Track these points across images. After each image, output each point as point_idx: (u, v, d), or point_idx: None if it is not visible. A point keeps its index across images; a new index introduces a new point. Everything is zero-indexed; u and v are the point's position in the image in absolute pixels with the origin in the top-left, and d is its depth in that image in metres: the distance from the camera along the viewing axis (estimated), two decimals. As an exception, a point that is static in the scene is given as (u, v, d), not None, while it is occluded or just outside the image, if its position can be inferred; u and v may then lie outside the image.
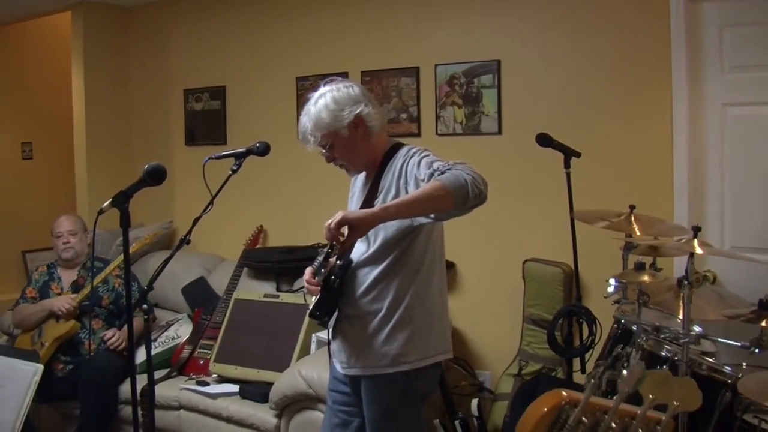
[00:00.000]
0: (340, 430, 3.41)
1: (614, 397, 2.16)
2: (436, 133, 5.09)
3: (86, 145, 6.61)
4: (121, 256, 5.02)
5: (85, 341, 5.16)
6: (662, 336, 3.32)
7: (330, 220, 2.84)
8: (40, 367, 2.38)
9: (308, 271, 3.24)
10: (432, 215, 2.98)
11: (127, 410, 5.01)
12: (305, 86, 5.46)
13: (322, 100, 3.17)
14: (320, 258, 3.14)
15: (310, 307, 3.18)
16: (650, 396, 2.10)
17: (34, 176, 7.74)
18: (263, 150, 3.53)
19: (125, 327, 5.13)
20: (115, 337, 5.05)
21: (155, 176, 3.13)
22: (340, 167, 3.30)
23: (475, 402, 4.57)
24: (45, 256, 7.08)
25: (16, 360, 2.43)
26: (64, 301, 5.12)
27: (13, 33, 7.53)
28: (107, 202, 2.97)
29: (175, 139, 6.52)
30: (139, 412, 3.55)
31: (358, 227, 2.88)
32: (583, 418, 2.17)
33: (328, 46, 5.58)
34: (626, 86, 4.50)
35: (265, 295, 5.14)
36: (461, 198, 2.81)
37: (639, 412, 2.13)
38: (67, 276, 5.40)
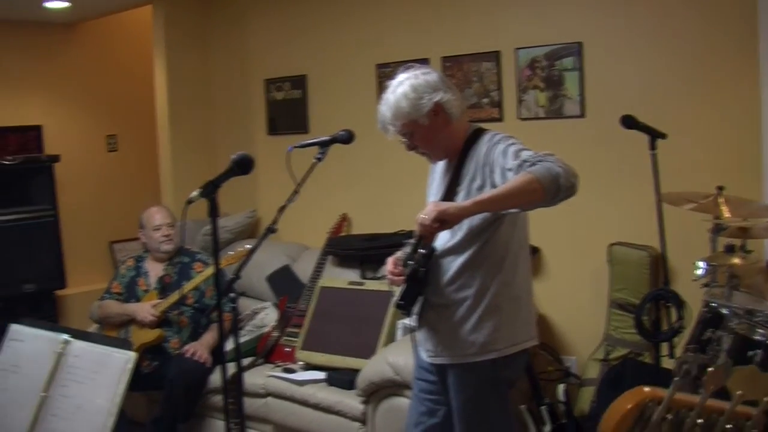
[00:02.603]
0: (427, 418, 3.41)
1: (700, 394, 2.11)
2: (518, 118, 5.05)
3: (170, 137, 6.70)
4: (209, 270, 5.10)
5: (170, 339, 5.24)
6: (755, 319, 3.25)
7: (424, 215, 2.84)
8: (133, 354, 2.41)
9: (390, 261, 3.24)
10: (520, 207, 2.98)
11: (214, 398, 5.10)
12: (385, 73, 5.46)
13: (401, 88, 3.15)
14: (407, 249, 3.14)
15: (396, 298, 3.17)
16: (738, 392, 2.05)
17: (119, 168, 7.87)
18: (347, 138, 3.53)
19: (205, 338, 5.22)
20: (197, 355, 5.11)
21: (243, 165, 3.16)
22: (422, 155, 3.29)
23: (561, 388, 4.54)
24: (131, 246, 7.20)
25: (110, 348, 2.46)
26: (147, 312, 5.14)
27: (96, 28, 7.66)
28: (196, 192, 3.00)
29: (257, 129, 6.57)
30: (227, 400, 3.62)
31: (450, 221, 2.88)
32: (668, 415, 2.13)
33: (408, 32, 5.56)
34: (712, 65, 4.41)
35: (350, 283, 5.16)
36: (552, 191, 2.79)
37: (727, 408, 2.08)
38: (155, 270, 5.43)
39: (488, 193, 2.92)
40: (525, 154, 2.93)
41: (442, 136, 3.19)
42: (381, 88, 4.63)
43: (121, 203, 7.60)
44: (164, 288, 5.28)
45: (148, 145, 7.47)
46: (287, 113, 6.34)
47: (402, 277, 3.15)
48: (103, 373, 2.45)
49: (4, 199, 6.69)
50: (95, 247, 7.65)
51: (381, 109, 3.19)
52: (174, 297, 5.14)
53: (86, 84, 7.67)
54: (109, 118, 7.84)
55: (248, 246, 4.67)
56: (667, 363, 4.21)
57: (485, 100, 5.19)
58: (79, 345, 2.56)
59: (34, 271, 6.71)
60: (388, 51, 5.64)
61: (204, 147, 6.80)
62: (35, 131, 7.29)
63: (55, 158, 6.98)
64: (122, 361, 2.42)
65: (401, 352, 4.26)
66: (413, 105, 3.11)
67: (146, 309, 5.16)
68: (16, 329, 2.85)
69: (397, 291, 3.18)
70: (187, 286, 5.14)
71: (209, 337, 5.18)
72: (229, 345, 4.88)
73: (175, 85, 6.71)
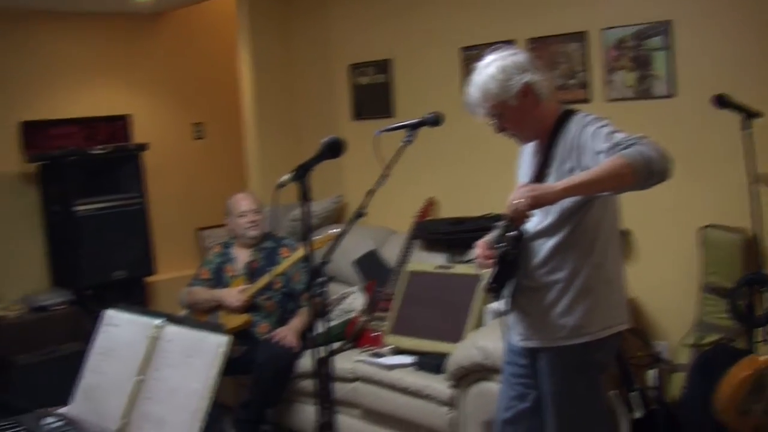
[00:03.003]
0: (517, 402, 3.39)
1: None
2: (606, 99, 4.97)
3: (255, 123, 6.75)
4: (298, 254, 5.13)
5: (258, 324, 5.30)
6: None
7: (517, 200, 2.83)
8: (227, 338, 2.42)
9: (480, 244, 3.22)
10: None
11: (302, 383, 5.13)
12: (470, 56, 5.41)
13: (489, 69, 3.12)
14: (496, 232, 3.11)
15: (487, 281, 3.15)
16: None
17: (205, 155, 7.96)
18: (435, 120, 3.49)
19: (293, 323, 5.25)
20: (286, 340, 5.15)
21: (333, 149, 3.16)
22: (510, 137, 3.26)
23: (652, 373, 4.47)
24: (218, 233, 7.28)
25: (203, 332, 2.47)
26: (235, 298, 5.22)
27: (181, 17, 7.74)
28: (287, 176, 3.01)
29: (342, 114, 6.57)
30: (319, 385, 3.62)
31: (542, 204, 2.86)
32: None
33: (493, 14, 5.50)
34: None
35: (438, 267, 5.14)
36: (645, 176, 2.75)
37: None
38: (243, 256, 5.49)
39: (580, 176, 2.88)
40: (617, 137, 2.88)
41: (531, 117, 3.15)
42: (466, 71, 4.62)
43: (208, 190, 7.68)
44: (252, 273, 5.33)
45: (233, 132, 7.53)
46: (372, 98, 6.33)
47: (492, 261, 3.12)
48: (196, 357, 2.46)
49: (94, 188, 6.79)
50: (183, 233, 7.75)
51: (469, 91, 3.16)
52: (262, 282, 5.19)
53: (172, 73, 7.76)
54: (195, 106, 7.93)
55: (336, 230, 4.68)
56: (762, 349, 4.12)
57: (572, 81, 5.12)
58: (172, 329, 2.58)
59: (124, 258, 6.81)
60: (472, 34, 5.59)
61: (289, 133, 6.83)
62: (123, 121, 7.40)
63: (143, 147, 7.07)
64: (216, 345, 2.42)
65: (490, 336, 4.23)
66: (502, 86, 3.08)
67: (234, 294, 5.21)
68: (111, 314, 2.88)
69: (487, 274, 3.16)
70: (276, 270, 5.18)
71: (297, 321, 5.21)
72: (318, 329, 4.92)
73: (260, 72, 6.74)
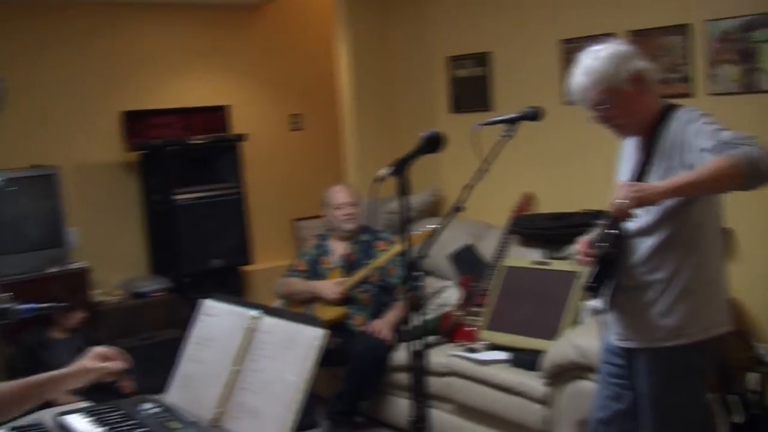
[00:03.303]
0: (613, 402, 3.33)
1: None
2: (709, 93, 4.85)
3: (353, 115, 6.76)
4: (396, 248, 5.12)
5: (354, 317, 5.31)
6: None
7: (621, 199, 2.79)
8: (323, 331, 2.42)
9: (582, 241, 3.17)
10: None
11: (396, 376, 5.14)
12: (570, 49, 5.32)
13: (601, 54, 3.08)
14: (598, 230, 3.06)
15: (587, 280, 3.10)
16: None
17: (303, 147, 8.00)
18: (535, 115, 3.45)
19: (388, 316, 5.24)
20: (381, 333, 5.15)
21: (433, 143, 3.15)
22: (614, 128, 3.19)
23: (753, 377, 4.35)
24: (314, 224, 7.30)
25: (299, 324, 2.48)
26: (331, 290, 5.25)
27: (279, 9, 7.80)
28: (385, 170, 3.00)
29: (440, 107, 6.54)
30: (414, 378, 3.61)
31: (646, 204, 2.83)
32: None
33: (594, 6, 5.40)
34: None
35: (535, 262, 5.08)
36: (750, 178, 2.71)
37: None
38: (340, 249, 5.52)
39: (684, 177, 2.83)
40: (723, 135, 2.82)
41: (637, 106, 3.09)
42: (566, 64, 4.54)
43: (305, 182, 7.72)
44: (348, 266, 5.35)
45: (331, 123, 7.55)
46: (470, 91, 6.28)
47: (593, 259, 3.07)
48: (293, 349, 2.46)
49: (193, 178, 6.90)
50: (279, 224, 7.81)
51: (577, 77, 3.11)
52: (359, 275, 5.20)
53: (270, 64, 7.82)
54: (292, 97, 7.97)
55: (432, 225, 4.66)
56: None
57: (673, 76, 5.00)
58: (269, 321, 2.59)
59: (222, 247, 6.89)
60: (572, 26, 5.50)
61: (386, 125, 6.82)
62: (222, 111, 7.48)
63: (242, 137, 7.14)
64: (312, 337, 2.43)
65: (587, 335, 4.16)
66: (615, 69, 3.04)
67: (331, 287, 5.24)
68: (208, 304, 2.92)
69: (586, 272, 3.11)
70: (374, 264, 5.18)
71: (392, 315, 5.21)
72: (413, 323, 4.90)
73: (358, 64, 6.75)
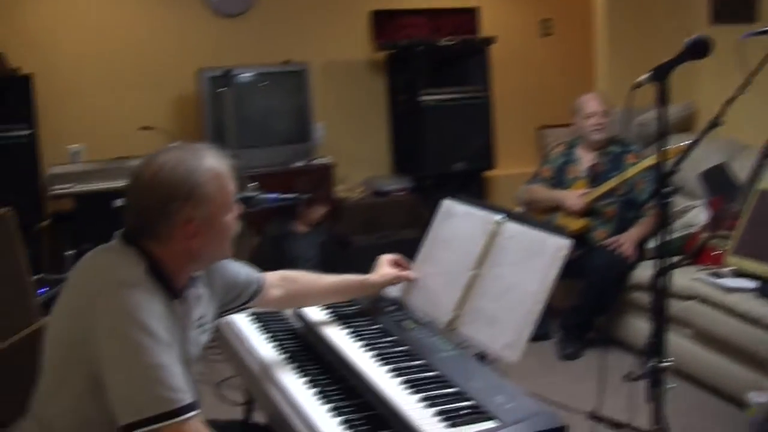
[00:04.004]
0: None
1: None
2: None
3: (606, 22, 6.50)
4: (647, 161, 4.91)
5: (596, 230, 5.17)
6: None
7: None
8: (568, 242, 2.32)
9: None
10: None
11: (634, 295, 4.99)
12: None
13: None
14: None
15: None
16: None
17: (552, 53, 7.80)
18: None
19: (632, 232, 5.05)
20: (623, 248, 4.98)
21: (698, 49, 2.94)
22: None
23: None
24: (560, 132, 7.14)
25: (544, 233, 2.39)
26: (574, 201, 5.13)
27: None
28: (645, 76, 2.83)
29: (698, 17, 6.17)
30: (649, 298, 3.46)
31: None
32: None
33: None
34: None
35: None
36: None
37: None
38: (587, 158, 5.36)
39: None
40: None
41: None
42: None
43: (552, 89, 7.53)
44: (594, 177, 5.21)
45: (582, 29, 7.32)
46: (733, 1, 5.89)
47: None
48: (535, 257, 2.38)
49: (440, 79, 6.88)
50: (524, 130, 7.68)
51: None
52: (605, 187, 5.06)
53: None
54: (543, 1, 7.79)
55: (686, 140, 4.42)
56: None
57: None
58: (513, 227, 2.51)
59: (466, 151, 6.87)
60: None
61: (641, 34, 6.50)
62: (471, 13, 7.40)
63: (491, 40, 7.04)
64: (556, 247, 2.34)
65: None
66: None
67: (574, 197, 5.13)
68: (450, 205, 2.87)
69: None
70: (623, 176, 5.00)
71: (637, 230, 5.05)
72: (656, 242, 4.72)
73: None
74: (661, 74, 2.85)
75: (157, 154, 2.17)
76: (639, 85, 2.87)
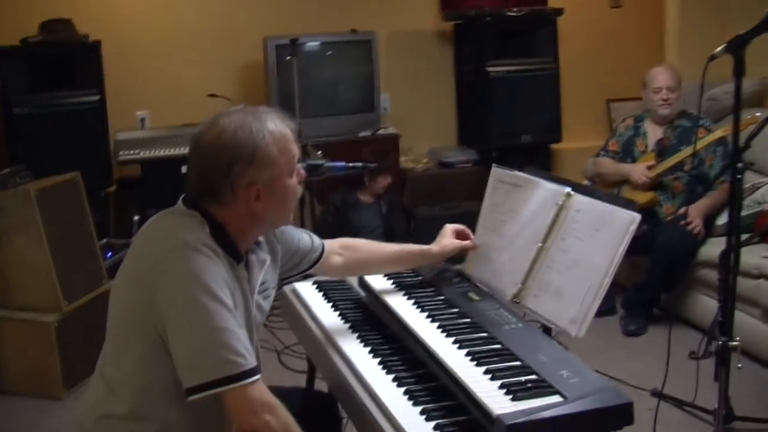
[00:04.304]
0: None
1: None
2: None
3: (678, -6, 6.38)
4: (715, 134, 4.83)
5: (663, 204, 5.11)
6: None
7: None
8: (638, 216, 2.27)
9: None
10: None
11: (702, 272, 4.92)
12: None
13: None
14: None
15: None
16: None
17: (621, 25, 7.64)
18: None
19: (701, 204, 4.96)
20: (694, 222, 4.89)
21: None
22: None
23: None
24: (628, 106, 7.06)
25: (614, 206, 2.34)
26: (640, 174, 5.06)
27: None
28: (720, 48, 2.77)
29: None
30: (716, 276, 3.40)
31: None
32: None
33: None
34: None
35: None
36: None
37: None
38: (654, 132, 5.29)
39: None
40: None
41: None
42: None
43: (621, 61, 7.39)
44: (662, 151, 5.14)
45: (652, 1, 7.18)
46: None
47: None
48: (604, 231, 2.34)
49: (507, 50, 6.80)
50: (592, 103, 7.56)
51: None
52: (673, 160, 4.98)
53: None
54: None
55: (759, 114, 4.32)
56: None
57: None
58: (581, 199, 2.47)
59: (532, 123, 6.80)
60: None
61: (712, 5, 6.37)
62: (540, -16, 7.30)
63: (560, 12, 6.95)
64: (626, 221, 2.29)
65: None
66: None
67: (641, 170, 5.07)
68: (517, 176, 2.82)
69: None
70: (690, 150, 4.92)
71: (706, 203, 4.96)
72: (725, 218, 4.65)
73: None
74: (737, 46, 2.78)
75: (220, 117, 2.18)
76: (714, 56, 2.80)
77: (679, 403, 4.08)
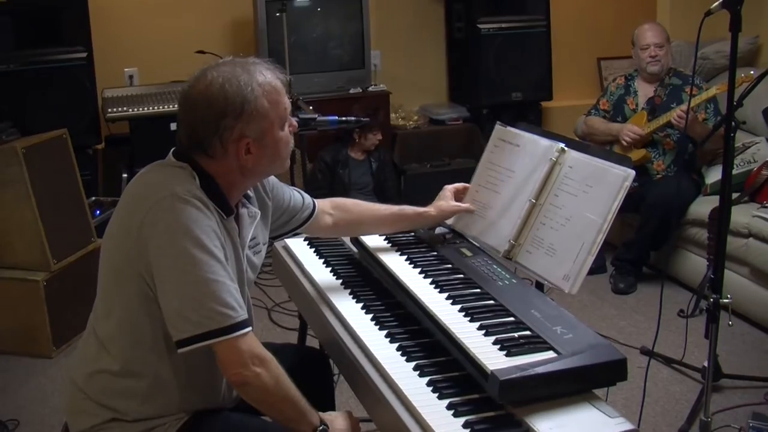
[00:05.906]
0: None
1: None
2: None
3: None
4: (708, 92, 4.81)
5: (654, 161, 5.10)
6: None
7: None
8: (632, 172, 2.26)
9: None
10: None
11: (691, 230, 4.93)
12: None
13: None
14: None
15: None
16: None
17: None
18: None
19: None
20: (678, 114, 4.84)
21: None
22: None
23: None
24: (619, 64, 7.04)
25: (608, 162, 2.33)
26: (630, 132, 5.04)
27: None
28: (716, 3, 2.73)
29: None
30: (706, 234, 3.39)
31: None
32: None
33: None
34: None
35: None
36: None
37: None
38: (645, 90, 5.26)
39: None
40: None
41: None
42: None
43: (613, 19, 7.33)
44: (653, 109, 5.13)
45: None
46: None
47: None
48: (597, 187, 2.33)
49: (498, 7, 6.75)
50: (583, 62, 7.50)
51: None
52: (663, 119, 4.97)
53: None
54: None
55: (752, 72, 4.30)
56: None
57: None
58: (575, 155, 2.45)
59: (523, 81, 6.76)
60: None
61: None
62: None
63: (551, -31, 6.89)
64: (620, 178, 2.28)
65: None
66: None
67: (632, 129, 5.05)
68: (506, 131, 2.79)
69: None
70: (681, 108, 4.89)
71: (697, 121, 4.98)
72: (714, 176, 4.65)
73: None
74: (733, 1, 2.74)
75: (208, 69, 2.14)
76: (710, 12, 2.77)
77: (668, 361, 4.10)
